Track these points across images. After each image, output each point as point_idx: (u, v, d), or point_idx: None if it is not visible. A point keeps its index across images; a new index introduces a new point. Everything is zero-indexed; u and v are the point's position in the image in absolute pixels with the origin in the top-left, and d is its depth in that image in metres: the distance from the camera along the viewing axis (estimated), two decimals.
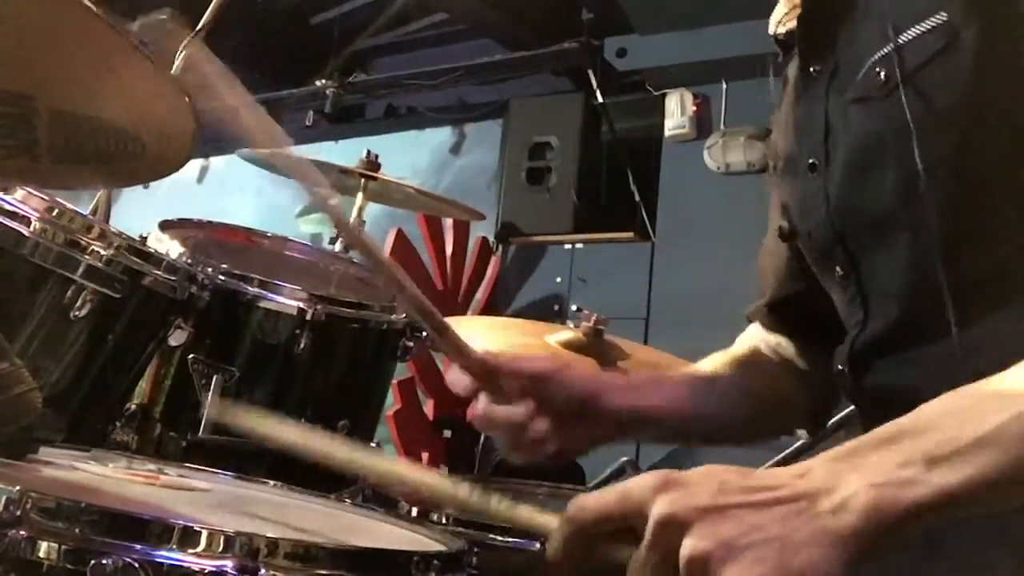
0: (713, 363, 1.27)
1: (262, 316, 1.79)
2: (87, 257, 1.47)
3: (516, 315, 4.46)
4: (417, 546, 1.08)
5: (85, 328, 1.51)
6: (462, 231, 4.79)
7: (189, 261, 1.72)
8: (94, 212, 2.13)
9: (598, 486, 2.94)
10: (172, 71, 1.07)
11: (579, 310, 3.30)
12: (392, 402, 4.20)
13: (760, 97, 3.87)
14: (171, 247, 1.77)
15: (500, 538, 1.32)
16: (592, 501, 0.70)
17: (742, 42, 3.68)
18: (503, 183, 4.91)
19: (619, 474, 3.20)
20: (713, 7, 4.00)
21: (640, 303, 4.26)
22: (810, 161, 1.03)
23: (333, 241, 2.58)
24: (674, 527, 0.65)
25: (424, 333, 1.89)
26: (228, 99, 0.89)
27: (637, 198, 4.46)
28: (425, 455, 4.40)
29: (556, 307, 4.54)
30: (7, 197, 1.40)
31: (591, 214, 4.58)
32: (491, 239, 4.91)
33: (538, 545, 1.31)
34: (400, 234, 4.48)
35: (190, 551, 0.83)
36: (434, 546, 1.07)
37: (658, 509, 0.65)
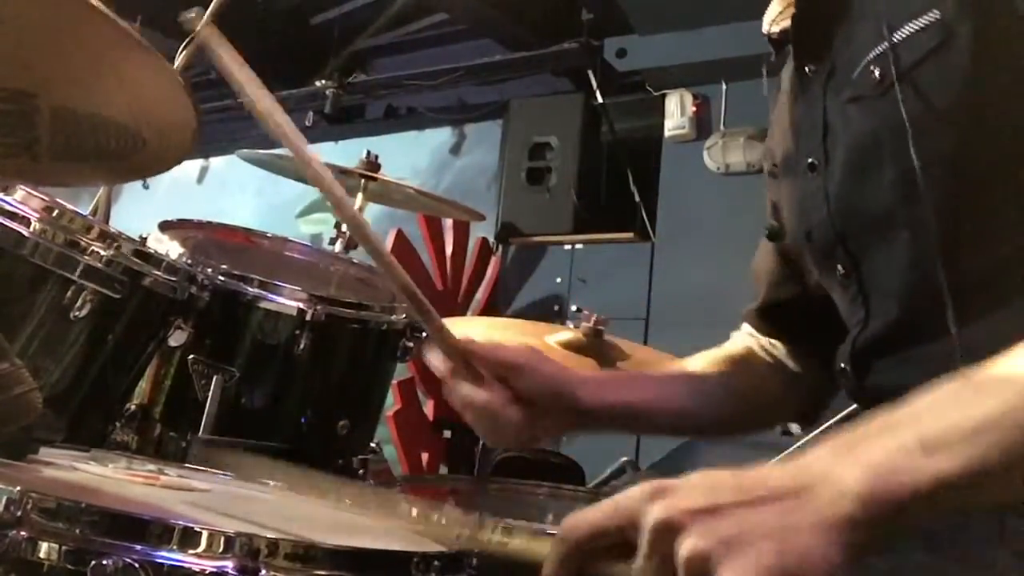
0: (703, 361, 1.27)
1: (262, 316, 1.79)
2: (87, 257, 1.47)
3: (516, 315, 4.46)
4: (417, 546, 1.08)
5: (85, 328, 1.51)
6: (462, 231, 4.79)
7: (189, 261, 1.71)
8: (94, 212, 2.13)
9: (598, 486, 2.94)
10: (175, 67, 1.07)
11: (579, 310, 3.30)
12: (392, 402, 4.20)
13: (760, 98, 3.88)
14: (171, 247, 1.77)
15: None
16: (584, 518, 0.69)
17: (742, 42, 3.68)
18: (503, 183, 4.90)
19: (619, 474, 3.20)
20: (713, 7, 4.00)
21: (640, 303, 4.26)
22: (809, 161, 1.03)
23: (333, 241, 2.58)
24: (670, 532, 0.64)
25: (424, 333, 1.89)
26: (244, 86, 0.89)
27: (637, 198, 4.46)
28: (425, 455, 4.40)
29: (556, 307, 4.54)
30: (7, 197, 1.40)
31: (591, 214, 4.58)
32: (491, 239, 4.91)
33: None
34: (400, 234, 4.48)
35: (190, 551, 0.83)
36: (434, 546, 1.07)
37: (652, 516, 0.65)
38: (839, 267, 1.02)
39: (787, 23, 1.09)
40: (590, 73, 4.60)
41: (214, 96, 5.97)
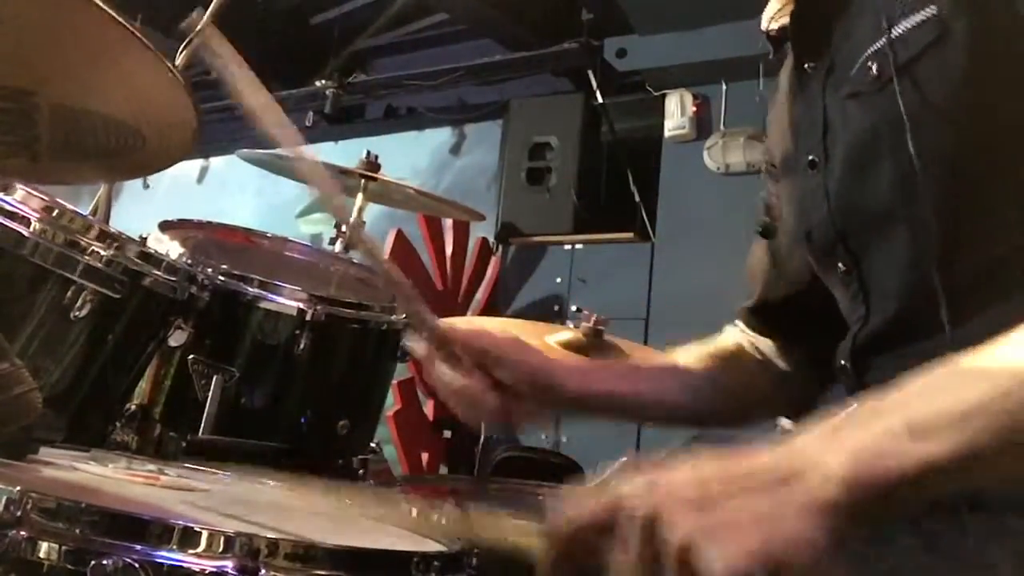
0: (692, 354, 1.28)
1: (262, 316, 1.79)
2: (87, 257, 1.47)
3: (516, 315, 4.46)
4: (417, 546, 1.08)
5: (85, 328, 1.51)
6: (462, 231, 4.79)
7: (189, 261, 1.71)
8: (94, 212, 2.13)
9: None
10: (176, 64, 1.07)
11: (579, 310, 3.30)
12: (392, 402, 4.19)
13: (760, 98, 3.88)
14: (171, 247, 1.77)
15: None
16: (577, 512, 0.70)
17: (742, 42, 3.67)
18: (503, 183, 4.90)
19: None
20: (713, 7, 3.99)
21: (640, 303, 4.26)
22: (809, 158, 1.03)
23: (333, 241, 2.58)
24: (660, 524, 0.65)
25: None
26: (242, 89, 0.90)
27: (637, 198, 4.46)
28: (425, 455, 4.39)
29: (556, 307, 4.53)
30: (7, 197, 1.40)
31: (591, 214, 4.57)
32: (491, 239, 4.90)
33: None
34: (400, 234, 4.47)
35: (190, 551, 0.83)
36: (434, 546, 1.07)
37: (643, 510, 0.66)
38: (840, 265, 1.02)
39: (786, 20, 1.09)
40: (590, 73, 4.60)
41: (214, 96, 5.97)
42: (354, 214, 2.58)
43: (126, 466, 1.24)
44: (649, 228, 4.40)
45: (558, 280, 4.61)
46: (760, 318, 1.26)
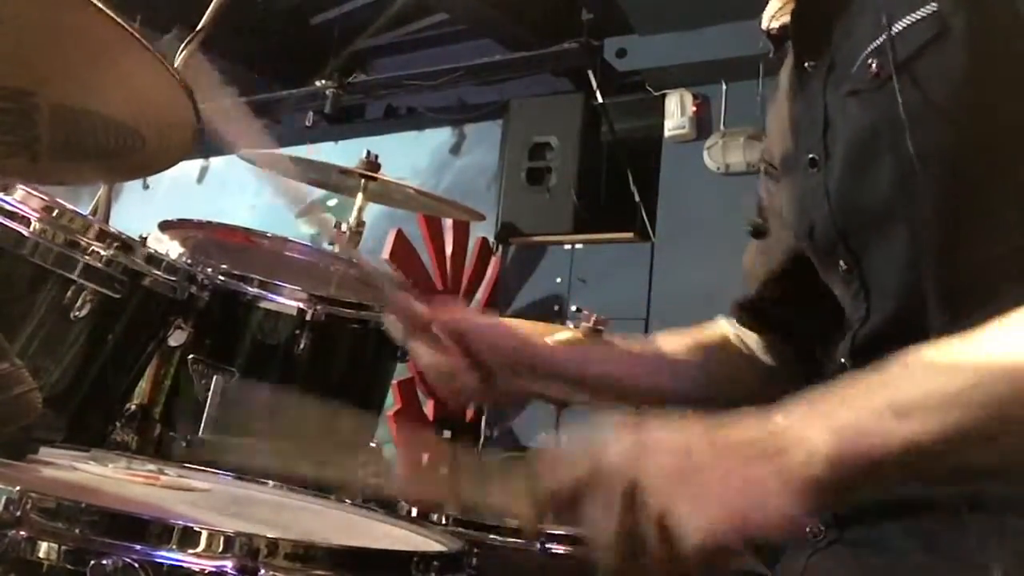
0: (679, 343, 1.29)
1: (262, 316, 1.79)
2: (87, 257, 1.47)
3: (516, 315, 4.46)
4: (417, 546, 1.08)
5: (85, 328, 1.51)
6: (462, 231, 4.79)
7: (189, 261, 1.72)
8: (94, 212, 2.13)
9: None
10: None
11: (579, 310, 3.31)
12: (392, 402, 4.19)
13: (760, 98, 3.88)
14: (171, 247, 1.77)
15: (500, 538, 1.32)
16: (564, 474, 0.72)
17: (742, 42, 3.68)
18: (503, 183, 4.90)
19: None
20: (713, 7, 3.99)
21: (640, 303, 4.26)
22: (810, 157, 1.03)
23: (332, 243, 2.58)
24: (641, 489, 0.67)
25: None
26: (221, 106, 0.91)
27: (637, 198, 4.46)
28: (425, 456, 4.39)
29: (556, 307, 4.54)
30: (7, 197, 1.40)
31: (591, 214, 4.57)
32: (491, 239, 4.90)
33: (538, 546, 1.32)
34: (400, 234, 4.47)
35: (190, 551, 0.83)
36: (434, 546, 1.07)
37: (626, 475, 0.67)
38: (841, 263, 1.01)
39: (786, 19, 1.09)
40: (590, 73, 4.60)
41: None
42: (354, 214, 2.58)
43: (126, 466, 1.24)
44: (649, 228, 4.40)
45: (558, 280, 4.61)
46: (749, 313, 1.27)
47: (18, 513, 0.80)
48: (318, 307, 1.78)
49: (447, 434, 4.48)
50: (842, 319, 1.11)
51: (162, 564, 0.81)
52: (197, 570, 0.82)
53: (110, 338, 1.57)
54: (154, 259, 1.61)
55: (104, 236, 1.50)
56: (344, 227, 2.50)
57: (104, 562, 0.79)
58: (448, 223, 4.73)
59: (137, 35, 0.87)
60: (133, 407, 1.70)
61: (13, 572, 0.80)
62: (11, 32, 0.89)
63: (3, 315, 1.44)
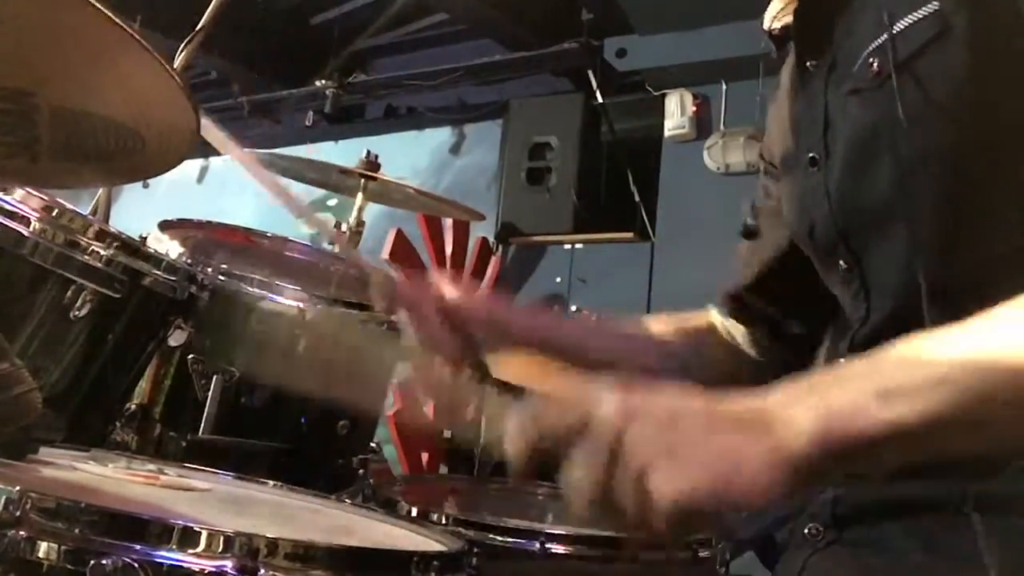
0: (665, 325, 1.30)
1: (262, 316, 1.79)
2: (87, 257, 1.47)
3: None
4: (417, 546, 1.08)
5: (85, 328, 1.51)
6: (462, 231, 4.79)
7: (189, 261, 1.71)
8: (94, 212, 2.13)
9: None
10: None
11: (579, 310, 3.31)
12: (392, 402, 4.19)
13: (760, 97, 3.88)
14: (171, 247, 1.77)
15: (500, 538, 1.32)
16: (555, 416, 0.73)
17: (742, 42, 3.68)
18: (503, 183, 4.90)
19: None
20: (713, 7, 3.99)
21: (640, 303, 4.26)
22: (810, 156, 1.03)
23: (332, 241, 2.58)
24: (626, 441, 0.68)
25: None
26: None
27: (637, 198, 4.46)
28: (425, 455, 4.39)
29: (556, 307, 4.54)
30: (7, 197, 1.40)
31: (591, 214, 4.57)
32: (491, 239, 4.91)
33: (537, 546, 1.32)
34: (400, 234, 4.47)
35: (190, 551, 0.83)
36: (434, 546, 1.07)
37: (612, 416, 0.69)
38: (841, 263, 1.02)
39: (789, 19, 1.09)
40: (590, 73, 4.60)
41: (214, 96, 5.98)
42: (354, 214, 2.58)
43: (126, 466, 1.24)
44: (649, 228, 4.40)
45: (558, 280, 4.61)
46: (737, 305, 1.28)
47: (18, 513, 0.80)
48: (318, 307, 1.78)
49: (447, 434, 4.49)
50: (828, 322, 1.13)
51: (162, 564, 0.81)
52: (197, 570, 0.82)
53: (110, 338, 1.57)
54: (154, 259, 1.61)
55: (104, 236, 1.50)
56: (344, 227, 2.50)
57: (104, 562, 0.79)
58: (448, 223, 4.73)
59: (137, 36, 0.87)
60: (133, 407, 1.70)
61: (13, 572, 0.80)
62: (11, 32, 0.89)
63: (3, 315, 1.44)
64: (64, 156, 1.08)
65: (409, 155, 5.51)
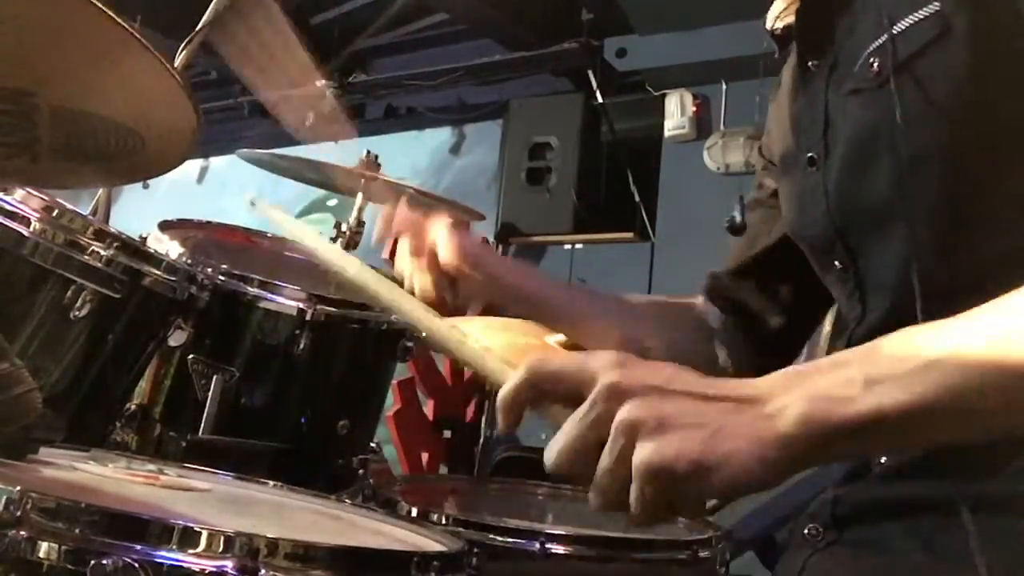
0: (641, 297, 1.34)
1: (262, 316, 1.79)
2: (87, 257, 1.47)
3: (516, 315, 4.45)
4: (417, 546, 1.08)
5: (85, 328, 1.51)
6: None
7: (189, 261, 1.72)
8: (94, 212, 2.13)
9: None
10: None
11: None
12: (392, 402, 4.19)
13: (760, 97, 3.88)
14: (171, 247, 1.77)
15: (500, 538, 1.32)
16: (554, 361, 0.75)
17: (742, 42, 3.67)
18: (503, 183, 4.90)
19: None
20: (713, 7, 3.99)
21: None
22: (809, 155, 1.03)
23: (333, 241, 2.58)
24: (617, 395, 0.70)
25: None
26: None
27: (637, 198, 4.46)
28: (425, 455, 4.39)
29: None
30: (7, 197, 1.40)
31: (591, 214, 4.57)
32: (491, 239, 4.91)
33: (537, 546, 1.32)
34: None
35: (190, 551, 0.83)
36: (434, 546, 1.08)
37: (608, 378, 0.71)
38: (837, 262, 1.02)
39: (791, 19, 1.10)
40: (590, 73, 4.60)
41: (214, 96, 5.98)
42: (354, 214, 2.58)
43: (126, 466, 1.24)
44: (649, 228, 4.40)
45: None
46: (717, 287, 1.31)
47: (18, 513, 0.80)
48: (318, 307, 1.78)
49: (447, 434, 4.49)
50: (812, 327, 1.16)
51: (162, 564, 0.81)
52: (197, 570, 0.82)
53: (110, 338, 1.57)
54: (154, 259, 1.61)
55: (104, 236, 1.50)
56: (344, 227, 2.50)
57: (104, 562, 0.79)
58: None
59: (138, 36, 0.87)
60: (133, 407, 1.70)
61: (13, 572, 0.80)
62: (11, 32, 0.89)
63: (3, 315, 1.44)
64: (64, 156, 1.08)
65: (409, 155, 5.51)
